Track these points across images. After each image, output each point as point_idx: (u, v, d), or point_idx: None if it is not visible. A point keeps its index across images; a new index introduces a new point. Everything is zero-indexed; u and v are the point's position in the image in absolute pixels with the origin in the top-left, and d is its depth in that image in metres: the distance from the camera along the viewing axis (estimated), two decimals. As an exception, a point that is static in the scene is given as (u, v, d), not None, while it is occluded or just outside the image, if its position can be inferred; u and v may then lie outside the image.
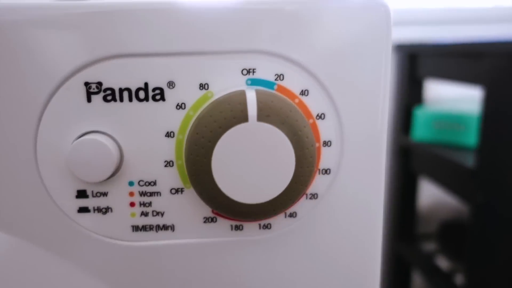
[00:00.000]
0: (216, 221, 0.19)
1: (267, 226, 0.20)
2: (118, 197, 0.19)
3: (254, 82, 0.18)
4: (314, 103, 0.18)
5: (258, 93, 0.17)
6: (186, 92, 0.18)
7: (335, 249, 0.20)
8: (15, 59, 0.17)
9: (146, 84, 0.18)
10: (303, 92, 0.18)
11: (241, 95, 0.16)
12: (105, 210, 0.19)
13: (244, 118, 0.16)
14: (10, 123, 0.18)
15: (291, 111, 0.16)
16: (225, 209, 0.17)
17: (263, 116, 0.16)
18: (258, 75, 0.18)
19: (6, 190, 0.18)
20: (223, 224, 0.19)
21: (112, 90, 0.18)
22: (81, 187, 0.18)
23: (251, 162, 0.16)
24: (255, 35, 0.17)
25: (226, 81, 0.18)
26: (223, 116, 0.16)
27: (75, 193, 0.18)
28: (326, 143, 0.19)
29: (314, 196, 0.20)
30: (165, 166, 0.19)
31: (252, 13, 0.17)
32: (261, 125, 0.16)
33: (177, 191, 0.19)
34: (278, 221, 0.20)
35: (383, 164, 0.20)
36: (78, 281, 0.19)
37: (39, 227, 0.19)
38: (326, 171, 0.19)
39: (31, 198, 0.18)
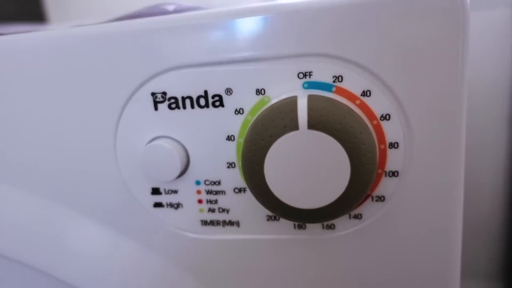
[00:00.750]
0: (279, 219, 0.20)
1: (330, 227, 0.19)
2: (187, 194, 0.20)
3: (311, 85, 0.17)
4: (378, 104, 0.17)
5: (310, 100, 0.16)
6: (244, 98, 0.18)
7: (405, 251, 0.19)
8: (96, 76, 0.19)
9: (205, 92, 0.18)
10: (365, 93, 0.17)
11: (293, 103, 0.16)
12: (177, 206, 0.20)
13: (294, 126, 0.16)
14: (93, 130, 0.20)
15: (345, 117, 0.16)
16: (281, 213, 0.17)
17: (314, 123, 0.15)
18: (315, 77, 0.17)
19: (95, 188, 0.21)
20: (286, 222, 0.20)
21: (176, 98, 0.19)
22: (155, 185, 0.20)
23: (304, 169, 0.16)
24: (310, 38, 0.17)
25: (282, 86, 0.18)
26: (274, 125, 0.16)
27: (150, 190, 0.20)
28: (393, 145, 0.18)
29: (380, 198, 0.19)
30: (228, 167, 0.19)
31: (306, 15, 0.16)
32: (312, 133, 0.15)
33: (240, 190, 0.20)
34: (342, 222, 0.19)
35: (462, 163, 0.18)
36: (155, 265, 0.22)
37: (125, 219, 0.21)
38: (394, 174, 0.18)
39: (118, 195, 0.21)
